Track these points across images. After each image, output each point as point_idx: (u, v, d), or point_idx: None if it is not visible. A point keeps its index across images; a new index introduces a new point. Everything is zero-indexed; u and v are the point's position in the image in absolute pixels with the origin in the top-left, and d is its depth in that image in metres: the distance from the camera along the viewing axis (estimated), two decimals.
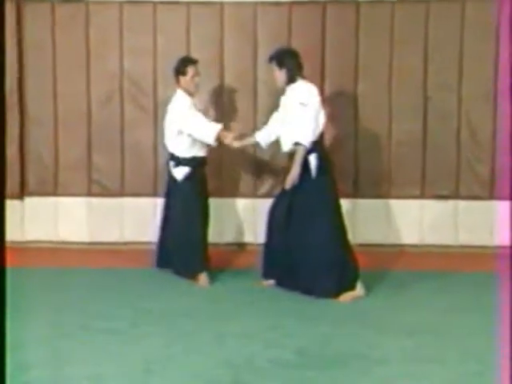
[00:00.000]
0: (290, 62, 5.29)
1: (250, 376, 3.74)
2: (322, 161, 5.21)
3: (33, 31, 6.82)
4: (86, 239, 6.97)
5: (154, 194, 6.83)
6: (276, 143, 5.59)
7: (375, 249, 6.73)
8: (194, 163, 5.68)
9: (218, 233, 6.55)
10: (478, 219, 6.81)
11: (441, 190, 6.86)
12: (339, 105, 6.71)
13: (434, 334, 4.47)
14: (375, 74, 6.77)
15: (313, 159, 5.19)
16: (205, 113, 6.14)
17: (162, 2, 6.77)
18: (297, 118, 5.15)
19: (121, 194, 6.96)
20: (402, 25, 6.72)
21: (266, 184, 6.88)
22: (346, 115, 6.78)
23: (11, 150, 6.68)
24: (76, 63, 6.83)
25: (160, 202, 6.29)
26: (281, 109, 5.50)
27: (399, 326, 4.64)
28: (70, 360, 3.96)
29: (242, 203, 6.94)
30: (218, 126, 5.54)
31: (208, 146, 5.66)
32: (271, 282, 5.52)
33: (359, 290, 5.26)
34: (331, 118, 5.83)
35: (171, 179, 5.77)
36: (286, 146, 5.34)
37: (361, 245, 6.35)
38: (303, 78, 5.32)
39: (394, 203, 6.89)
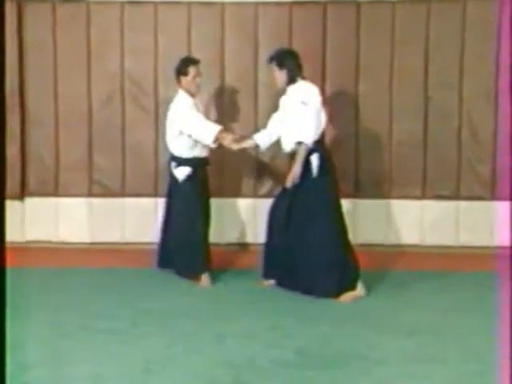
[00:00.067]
0: (290, 63, 5.29)
1: (251, 376, 3.74)
2: (323, 161, 5.21)
3: (33, 31, 6.83)
4: (87, 239, 6.98)
5: (155, 194, 6.84)
6: (276, 143, 5.58)
7: (376, 249, 6.73)
8: (196, 163, 5.68)
9: (218, 233, 6.54)
10: (479, 219, 6.80)
11: (441, 190, 6.86)
12: (340, 105, 6.71)
13: (434, 334, 4.47)
14: (376, 74, 6.77)
15: (314, 159, 5.18)
16: (206, 113, 6.15)
17: (162, 2, 6.78)
18: (298, 118, 5.15)
19: (122, 194, 6.96)
20: (402, 25, 6.72)
21: (267, 184, 6.88)
22: (346, 115, 6.79)
23: (12, 151, 6.68)
24: (77, 63, 6.83)
25: (161, 202, 6.29)
26: (280, 109, 5.49)
27: (399, 325, 4.63)
28: (69, 360, 3.95)
29: (242, 203, 6.94)
30: (217, 128, 5.52)
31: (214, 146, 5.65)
32: (272, 282, 5.52)
33: (360, 289, 5.26)
34: (332, 117, 5.82)
35: (173, 179, 5.76)
36: (288, 146, 5.33)
37: (361, 245, 6.35)
38: (303, 78, 5.32)
39: (395, 203, 6.89)
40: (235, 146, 5.67)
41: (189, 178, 5.66)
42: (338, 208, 5.31)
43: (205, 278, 5.62)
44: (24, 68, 6.86)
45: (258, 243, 6.19)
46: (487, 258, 6.43)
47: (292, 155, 5.29)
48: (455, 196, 6.85)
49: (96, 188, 6.97)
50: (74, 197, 6.96)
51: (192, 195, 5.66)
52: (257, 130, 6.06)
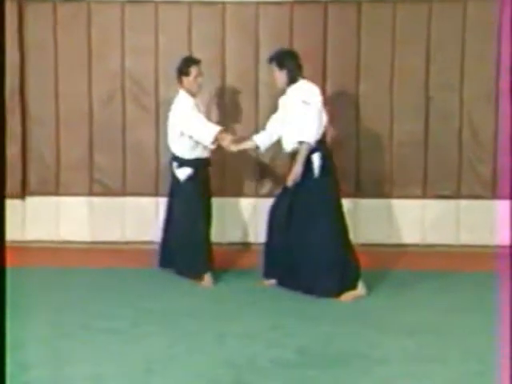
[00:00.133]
0: (290, 63, 5.28)
1: (252, 376, 3.74)
2: (324, 161, 5.20)
3: (34, 31, 6.83)
4: (88, 239, 6.98)
5: (156, 194, 6.85)
6: (277, 144, 5.58)
7: (377, 248, 6.73)
8: (197, 164, 5.67)
9: (220, 232, 6.54)
10: (480, 219, 6.80)
11: (442, 190, 6.86)
12: (341, 105, 6.71)
13: (435, 333, 4.47)
14: (377, 74, 6.77)
15: (316, 159, 5.18)
16: (207, 113, 6.15)
17: (163, 2, 6.78)
18: (300, 117, 5.15)
19: (122, 193, 6.96)
20: (403, 25, 6.72)
21: (268, 184, 6.88)
22: (347, 115, 6.79)
23: (13, 150, 6.68)
24: (78, 63, 6.84)
25: (162, 201, 6.30)
26: (280, 110, 5.49)
27: (400, 325, 4.63)
28: (70, 360, 3.95)
29: (244, 203, 6.94)
30: (217, 129, 5.51)
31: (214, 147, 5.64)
32: (273, 281, 5.52)
33: (360, 289, 5.26)
34: (333, 117, 5.82)
35: (174, 179, 5.76)
36: (289, 146, 5.32)
37: (362, 244, 6.35)
38: (303, 78, 5.32)
39: (396, 203, 6.89)
40: (234, 148, 5.66)
41: (190, 178, 5.65)
42: (339, 208, 5.30)
43: (207, 278, 5.61)
44: (25, 67, 6.86)
45: (259, 243, 6.18)
46: (488, 257, 6.43)
47: (293, 155, 5.28)
48: (456, 196, 6.85)
49: (97, 187, 6.97)
50: (75, 196, 6.96)
51: (193, 195, 5.66)
52: (258, 129, 6.06)
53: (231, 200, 6.90)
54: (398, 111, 6.80)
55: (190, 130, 5.50)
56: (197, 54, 6.05)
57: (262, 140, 5.63)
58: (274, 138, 5.58)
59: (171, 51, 6.59)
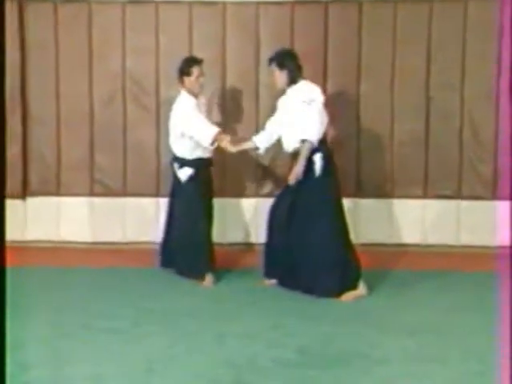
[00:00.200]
0: (290, 63, 5.28)
1: (252, 376, 3.74)
2: (326, 161, 5.20)
3: (35, 31, 6.83)
4: (88, 239, 6.98)
5: (157, 194, 6.85)
6: (278, 144, 5.57)
7: (377, 248, 6.73)
8: (198, 165, 5.67)
9: (220, 233, 6.54)
10: (480, 219, 6.80)
11: (443, 190, 6.86)
12: (341, 105, 6.71)
13: (435, 333, 4.47)
14: (378, 74, 6.77)
15: (317, 159, 5.18)
16: (209, 113, 6.14)
17: (164, 2, 6.78)
18: (302, 116, 5.14)
19: (123, 193, 6.96)
20: (404, 24, 6.72)
21: (269, 184, 6.88)
22: (348, 115, 6.78)
23: (14, 150, 6.69)
24: (78, 63, 6.84)
25: (162, 201, 6.30)
26: (279, 110, 5.48)
27: (401, 325, 4.63)
28: (71, 360, 3.95)
29: (245, 203, 6.94)
30: (216, 130, 5.50)
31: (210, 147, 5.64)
32: (273, 281, 5.52)
33: (361, 289, 5.26)
34: (333, 117, 5.81)
35: (176, 180, 5.76)
36: (291, 145, 5.30)
37: (363, 244, 6.36)
38: (303, 79, 5.32)
39: (396, 203, 6.89)
40: (233, 148, 5.64)
41: (192, 178, 5.65)
42: (339, 208, 5.30)
43: (208, 278, 5.61)
44: (26, 68, 6.86)
45: (260, 243, 6.19)
46: (488, 257, 6.43)
47: (294, 155, 5.28)
48: (457, 196, 6.85)
49: (97, 187, 6.97)
50: (76, 196, 6.96)
51: (195, 195, 5.66)
52: (258, 129, 6.06)
53: (232, 200, 6.90)
54: (398, 111, 6.80)
55: (189, 130, 5.50)
56: (197, 54, 6.03)
57: (262, 140, 5.62)
58: (274, 139, 5.57)
59: (172, 51, 6.60)
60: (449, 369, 3.86)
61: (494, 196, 6.81)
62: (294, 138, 5.23)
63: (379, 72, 6.77)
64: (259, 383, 3.65)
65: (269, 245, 5.52)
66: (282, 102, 5.45)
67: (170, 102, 5.76)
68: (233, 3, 6.76)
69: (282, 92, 5.41)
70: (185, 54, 6.04)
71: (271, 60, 5.36)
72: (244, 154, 6.28)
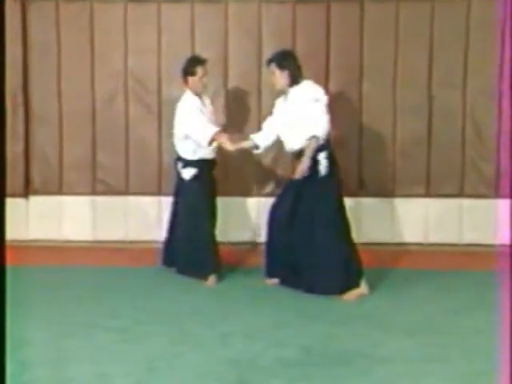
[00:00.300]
0: (290, 64, 5.25)
1: (255, 375, 3.74)
2: (329, 160, 5.19)
3: (37, 30, 6.84)
4: (91, 238, 6.98)
5: (159, 193, 6.85)
6: (280, 143, 5.56)
7: (379, 247, 6.73)
8: (202, 165, 5.66)
9: (223, 232, 6.53)
10: (483, 218, 6.79)
11: (445, 189, 6.85)
12: (343, 104, 6.71)
13: (437, 332, 4.47)
14: (380, 73, 6.77)
15: (322, 158, 5.16)
16: (215, 113, 6.11)
17: (166, 1, 6.78)
18: (309, 114, 5.11)
19: (125, 192, 6.97)
20: (406, 24, 6.71)
21: (272, 183, 6.88)
22: (350, 114, 6.78)
23: (16, 149, 6.71)
24: (81, 62, 6.84)
25: (164, 200, 6.30)
26: (278, 111, 5.44)
27: (403, 324, 4.63)
28: (73, 359, 3.94)
29: (247, 202, 6.94)
30: (213, 130, 5.48)
31: (213, 147, 5.63)
32: (275, 280, 5.52)
33: (363, 288, 5.26)
34: (336, 116, 5.80)
35: (179, 179, 5.76)
36: (297, 144, 5.25)
37: (365, 243, 6.34)
38: (305, 79, 5.30)
39: (399, 202, 6.89)
40: (231, 147, 5.60)
41: (195, 177, 5.65)
42: (341, 207, 5.30)
43: (211, 278, 5.61)
44: (28, 67, 6.87)
45: (263, 242, 6.18)
46: (491, 256, 6.42)
47: (297, 155, 5.26)
48: (459, 194, 6.84)
49: (99, 186, 6.97)
50: (78, 195, 6.97)
51: (198, 195, 5.65)
52: (260, 128, 6.04)
53: (235, 199, 6.90)
54: (400, 110, 6.80)
55: (189, 130, 5.49)
56: (199, 53, 6.02)
57: (261, 139, 5.59)
58: (273, 138, 5.53)
59: (174, 50, 6.60)
60: (451, 368, 3.85)
61: (497, 194, 6.81)
62: (300, 136, 5.18)
63: (381, 71, 6.77)
64: (261, 382, 3.65)
65: (270, 244, 5.51)
66: (281, 103, 5.42)
67: (172, 101, 5.76)
68: (234, 2, 6.76)
69: (283, 91, 5.39)
70: (187, 53, 6.03)
71: (270, 61, 5.34)
72: (246, 153, 6.27)
